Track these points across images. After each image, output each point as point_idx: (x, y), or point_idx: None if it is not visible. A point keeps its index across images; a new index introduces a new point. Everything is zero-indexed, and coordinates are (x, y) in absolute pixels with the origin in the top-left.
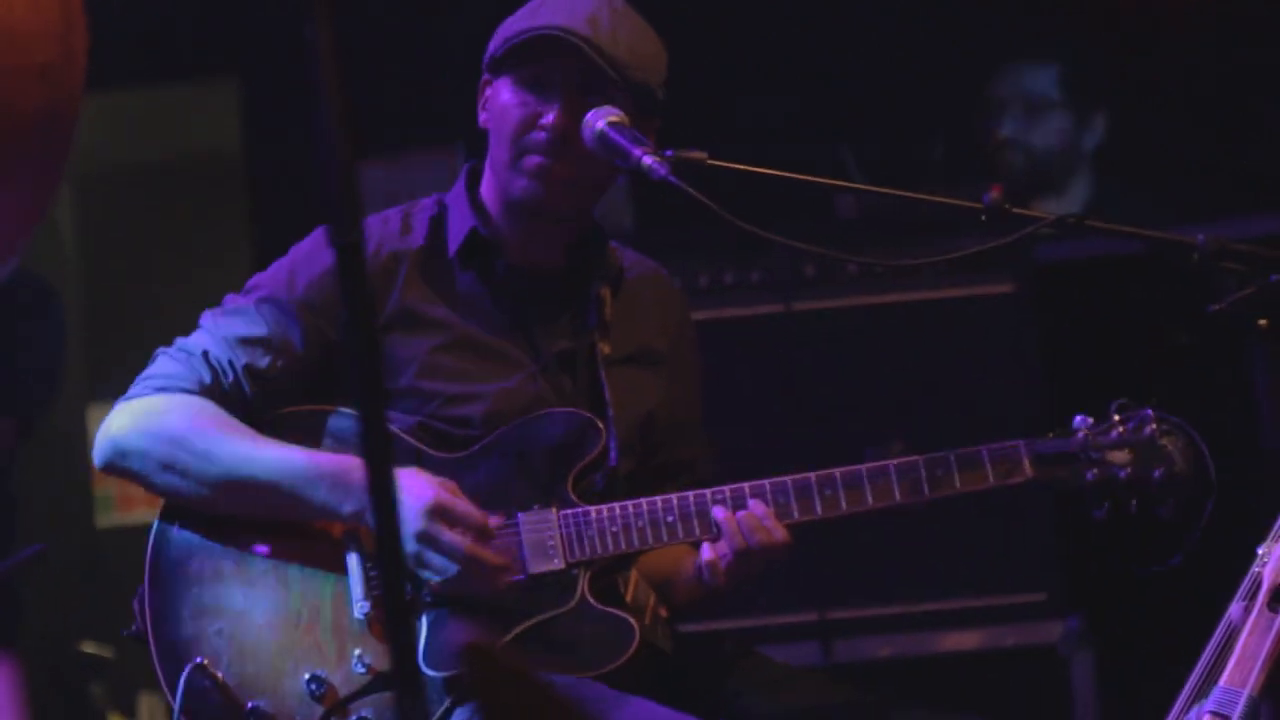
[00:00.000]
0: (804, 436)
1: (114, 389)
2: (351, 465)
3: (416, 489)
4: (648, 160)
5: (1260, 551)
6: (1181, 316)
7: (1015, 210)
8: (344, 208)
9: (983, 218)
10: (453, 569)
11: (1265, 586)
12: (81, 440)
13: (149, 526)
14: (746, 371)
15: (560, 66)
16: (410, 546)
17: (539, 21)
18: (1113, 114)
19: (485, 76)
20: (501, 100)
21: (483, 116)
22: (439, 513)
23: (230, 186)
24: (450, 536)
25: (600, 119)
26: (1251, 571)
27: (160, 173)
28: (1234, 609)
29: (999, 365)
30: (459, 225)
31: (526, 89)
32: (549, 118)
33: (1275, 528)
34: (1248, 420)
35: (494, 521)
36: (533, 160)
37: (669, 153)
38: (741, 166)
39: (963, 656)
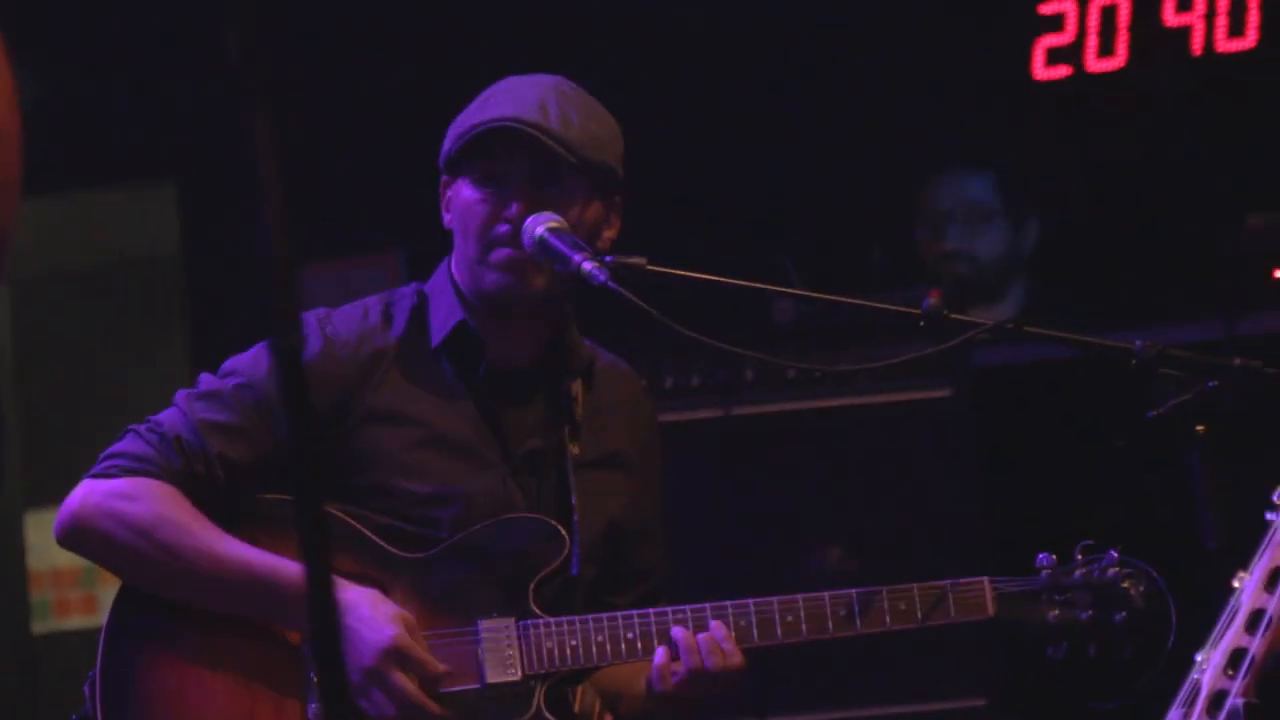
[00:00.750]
0: (744, 540)
1: (51, 495)
2: None
3: (376, 624)
4: (587, 266)
5: (1198, 659)
6: (1119, 421)
7: (953, 316)
8: (283, 311)
9: (921, 323)
10: (391, 712)
11: (1204, 694)
12: (19, 547)
13: (86, 632)
14: (686, 475)
15: (515, 157)
16: (357, 679)
17: (488, 114)
18: (1045, 219)
19: (444, 178)
20: (462, 198)
21: (447, 217)
22: (394, 655)
23: (168, 291)
24: (400, 682)
25: (540, 225)
26: (1190, 679)
27: (98, 277)
28: (1172, 716)
29: (938, 469)
30: (444, 317)
31: (485, 185)
32: (511, 209)
33: (1213, 634)
34: (1187, 524)
35: (445, 632)
36: (500, 253)
37: (608, 258)
38: (681, 272)
39: None
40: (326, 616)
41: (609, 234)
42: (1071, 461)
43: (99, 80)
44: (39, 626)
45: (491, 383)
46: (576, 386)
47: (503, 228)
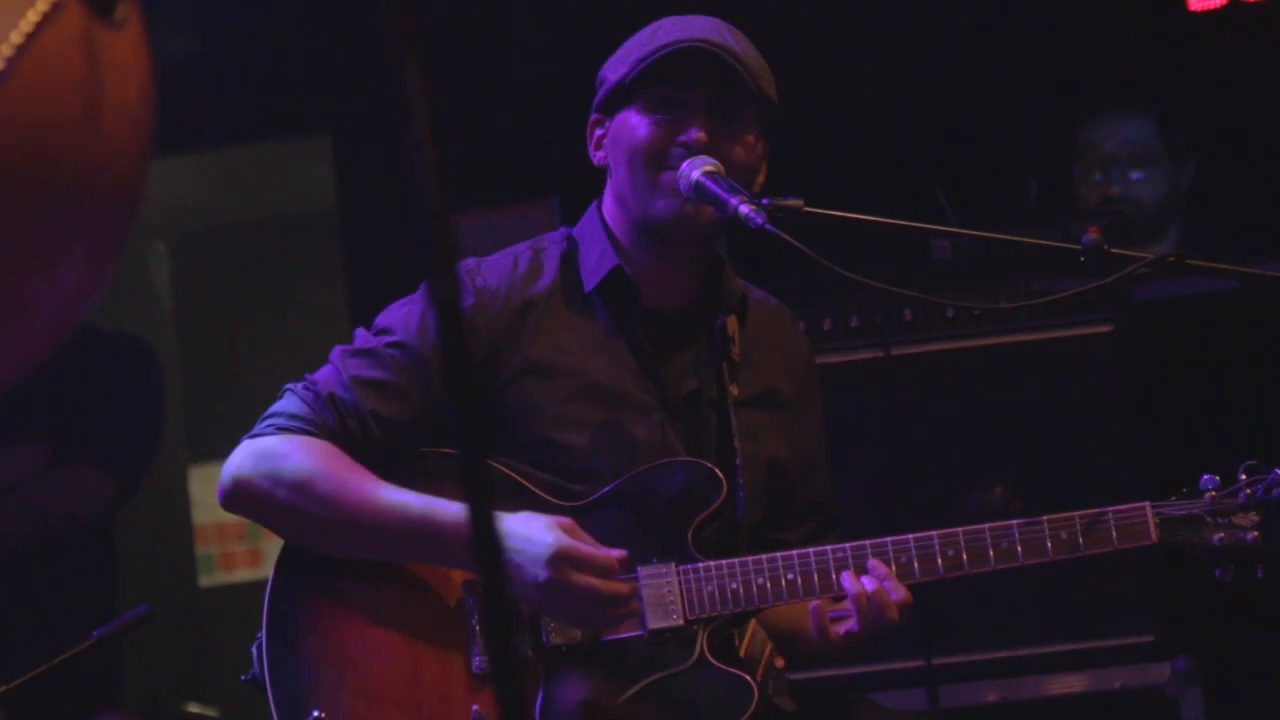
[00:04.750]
0: (906, 481)
1: (214, 449)
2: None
3: (536, 535)
4: (745, 209)
5: None
6: None
7: (1113, 250)
8: (440, 263)
9: (1082, 259)
10: (588, 613)
11: None
12: (183, 500)
13: (252, 585)
14: (846, 416)
15: (697, 83)
16: (538, 597)
17: (670, 37)
18: (1203, 155)
19: (595, 116)
20: (631, 126)
21: (599, 155)
22: (564, 559)
23: (325, 243)
24: (581, 581)
25: (695, 169)
26: None
27: (255, 230)
28: None
29: (1099, 406)
30: (597, 262)
31: (659, 111)
32: (689, 134)
33: None
34: None
35: (616, 555)
36: (674, 175)
37: (765, 200)
38: (838, 213)
39: (1071, 700)
40: (493, 570)
41: (762, 177)
42: (1236, 394)
43: (253, 35)
44: (205, 580)
45: (647, 326)
46: (732, 324)
47: (678, 151)
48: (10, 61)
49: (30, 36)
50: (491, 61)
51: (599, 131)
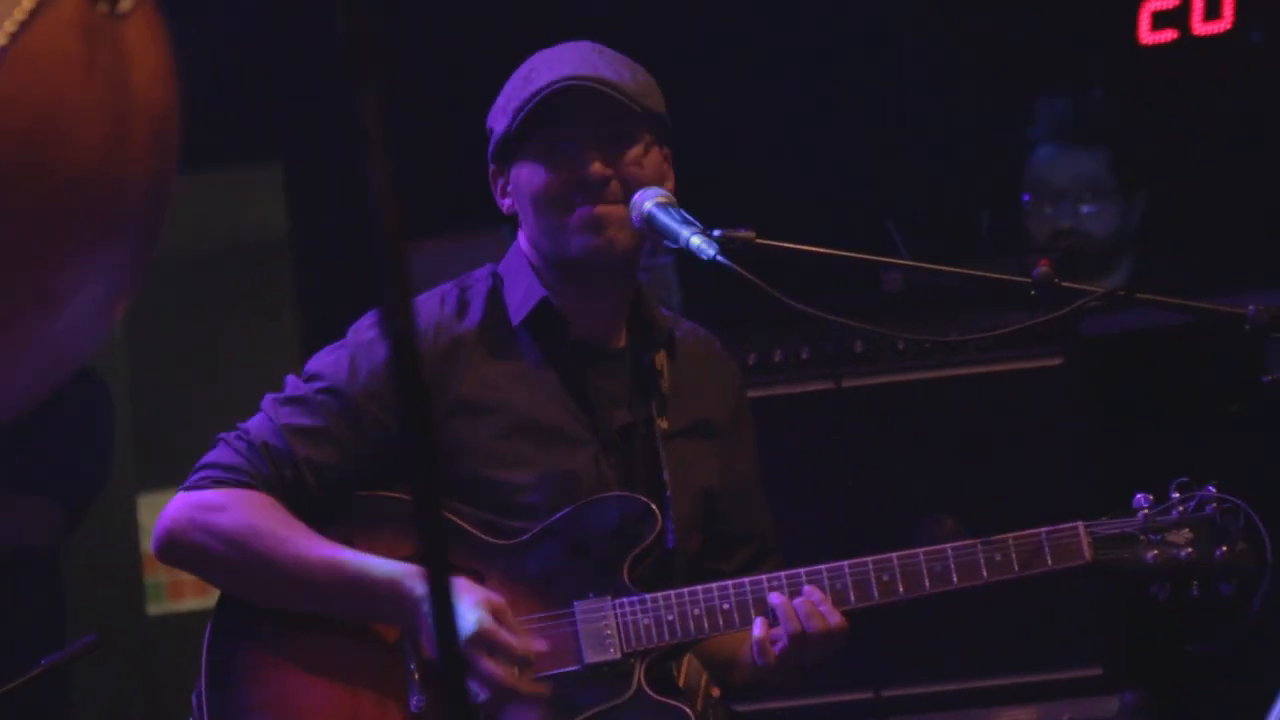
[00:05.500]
0: (856, 512)
1: (163, 477)
2: (404, 574)
3: (459, 614)
4: (696, 241)
5: None
6: (1233, 387)
7: (1064, 284)
8: (395, 291)
9: (1032, 292)
10: (489, 699)
11: None
12: (133, 528)
13: (200, 614)
14: (797, 448)
15: (581, 119)
16: None
17: (542, 82)
18: (1155, 188)
19: (492, 167)
20: (526, 175)
21: (506, 203)
22: (480, 642)
23: (277, 271)
24: (489, 668)
25: (647, 199)
26: None
27: (207, 258)
28: None
29: (1050, 439)
30: (524, 295)
31: (549, 155)
32: (584, 170)
33: None
34: None
35: (543, 616)
36: (582, 212)
37: (717, 232)
38: (789, 245)
39: None
40: (445, 611)
41: (669, 186)
42: (1184, 428)
43: (204, 62)
44: (154, 608)
45: (576, 359)
46: (660, 358)
47: (580, 188)
48: (2, 49)
49: (24, 24)
50: (443, 89)
51: (500, 181)
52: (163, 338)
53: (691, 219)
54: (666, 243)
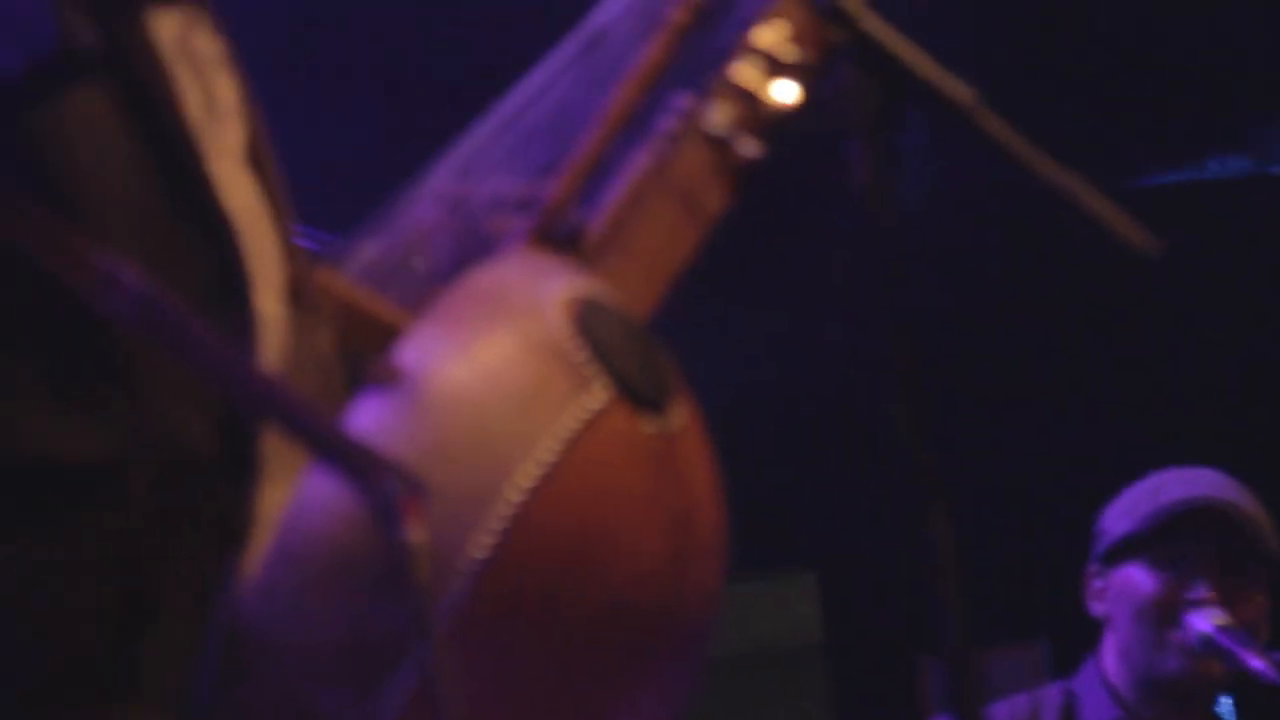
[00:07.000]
0: None
1: None
2: None
3: None
4: (1256, 664)
5: None
6: None
7: None
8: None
9: None
10: None
11: None
12: None
13: None
14: None
15: (1203, 540)
16: None
17: (1176, 495)
18: None
19: (1094, 567)
20: (1136, 581)
21: (1098, 606)
22: None
23: (811, 679)
24: None
25: (1205, 621)
26: None
27: (741, 663)
28: None
29: None
30: (1097, 715)
31: (1167, 568)
32: (1198, 591)
33: None
34: None
35: None
36: (1183, 634)
37: (1278, 655)
38: None
39: None
40: None
41: (1265, 633)
42: None
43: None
44: None
45: None
46: None
47: (1188, 609)
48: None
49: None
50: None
51: (1098, 583)
52: None
53: (1252, 640)
54: (1225, 664)
